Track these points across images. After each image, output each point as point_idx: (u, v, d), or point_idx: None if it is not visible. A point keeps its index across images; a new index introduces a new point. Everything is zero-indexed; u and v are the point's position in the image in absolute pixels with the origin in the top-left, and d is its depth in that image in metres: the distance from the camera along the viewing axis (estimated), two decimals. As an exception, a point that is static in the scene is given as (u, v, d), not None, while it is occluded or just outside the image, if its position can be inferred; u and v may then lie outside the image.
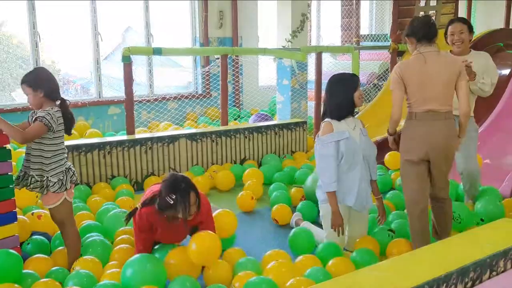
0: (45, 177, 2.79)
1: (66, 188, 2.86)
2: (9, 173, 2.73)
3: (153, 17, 7.51)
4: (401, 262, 2.07)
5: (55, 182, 2.81)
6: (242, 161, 5.43)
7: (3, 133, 2.67)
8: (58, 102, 2.89)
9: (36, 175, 2.78)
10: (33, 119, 2.77)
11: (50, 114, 2.76)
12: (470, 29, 3.65)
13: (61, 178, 2.84)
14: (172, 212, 2.67)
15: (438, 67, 2.93)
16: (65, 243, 2.94)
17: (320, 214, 3.36)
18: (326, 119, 3.14)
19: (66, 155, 2.94)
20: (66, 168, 2.89)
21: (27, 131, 2.71)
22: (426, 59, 2.93)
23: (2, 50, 6.54)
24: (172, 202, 2.63)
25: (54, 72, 7.18)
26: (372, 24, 11.13)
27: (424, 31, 2.98)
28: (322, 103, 3.54)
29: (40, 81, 2.80)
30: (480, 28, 9.93)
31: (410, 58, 3.09)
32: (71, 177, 2.90)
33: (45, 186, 2.80)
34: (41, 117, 2.73)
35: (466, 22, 3.68)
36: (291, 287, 2.49)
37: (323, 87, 5.13)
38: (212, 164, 5.25)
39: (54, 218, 2.90)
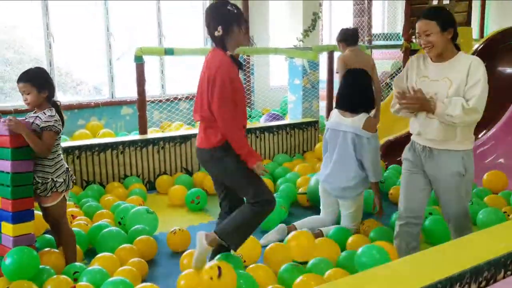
0: (50, 179, 2.79)
1: (69, 187, 2.89)
2: (29, 171, 2.77)
3: (164, 18, 7.55)
4: (413, 261, 2.06)
5: (61, 182, 2.83)
6: (253, 161, 5.43)
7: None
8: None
9: (38, 177, 2.78)
10: (40, 128, 2.73)
11: (56, 120, 2.77)
12: (444, 26, 2.53)
13: (65, 178, 2.86)
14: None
15: (362, 59, 4.68)
16: (62, 241, 2.95)
17: (352, 210, 3.44)
18: (365, 114, 3.39)
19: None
20: (66, 167, 2.91)
21: (45, 145, 2.72)
22: (356, 53, 4.70)
23: (17, 51, 6.63)
24: (235, 11, 2.57)
25: (68, 72, 7.26)
26: (384, 23, 11.06)
27: (352, 39, 4.78)
28: (350, 93, 3.42)
29: (46, 82, 2.80)
30: (494, 26, 9.83)
31: (347, 53, 4.75)
32: (70, 177, 2.93)
33: (49, 188, 2.79)
34: (50, 126, 2.73)
35: (436, 17, 2.54)
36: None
37: (335, 86, 5.13)
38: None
39: (51, 216, 2.90)
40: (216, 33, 2.58)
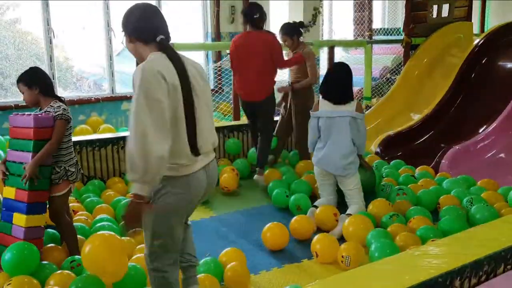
0: (63, 167, 2.87)
1: (77, 178, 2.96)
2: (48, 165, 2.83)
3: (165, 13, 7.52)
4: (413, 255, 2.07)
5: (73, 172, 2.91)
6: (254, 156, 5.43)
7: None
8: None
9: (57, 166, 2.86)
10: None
11: (65, 108, 2.85)
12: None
13: (75, 168, 2.94)
14: None
15: None
16: (63, 235, 3.00)
17: (356, 183, 3.74)
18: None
19: None
20: (76, 159, 2.99)
21: (54, 138, 2.79)
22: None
23: (17, 47, 6.62)
24: None
25: (68, 68, 7.25)
26: (385, 17, 11.03)
27: (301, 32, 4.84)
28: (343, 87, 3.82)
29: (35, 78, 2.87)
30: (495, 21, 9.81)
31: (309, 47, 4.86)
32: (79, 169, 3.00)
33: (60, 176, 2.86)
34: (60, 114, 2.81)
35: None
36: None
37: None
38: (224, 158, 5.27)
39: (52, 206, 2.93)
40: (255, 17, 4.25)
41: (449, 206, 3.63)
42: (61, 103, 2.87)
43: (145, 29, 2.08)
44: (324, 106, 3.80)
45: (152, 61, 2.00)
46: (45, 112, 2.86)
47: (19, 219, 2.79)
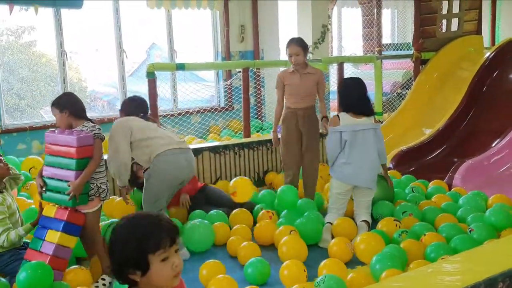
0: (95, 184, 2.99)
1: (107, 197, 3.08)
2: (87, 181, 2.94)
3: (176, 34, 7.66)
4: (426, 272, 2.05)
5: (104, 189, 3.03)
6: (265, 173, 5.44)
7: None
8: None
9: (90, 183, 2.97)
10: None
11: (99, 128, 3.01)
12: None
13: (106, 186, 3.06)
14: None
15: None
16: (95, 251, 3.07)
17: (372, 196, 3.84)
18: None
19: None
20: (106, 178, 3.10)
21: (96, 156, 2.94)
22: None
23: (32, 69, 6.77)
24: None
25: (81, 89, 7.37)
26: (394, 33, 11.07)
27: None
28: (367, 98, 3.97)
29: (66, 103, 3.02)
30: (505, 34, 9.78)
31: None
32: (108, 188, 3.11)
33: (93, 193, 2.98)
34: (97, 134, 2.96)
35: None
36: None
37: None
38: (236, 176, 5.28)
39: (86, 223, 3.02)
40: None
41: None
42: (93, 124, 3.02)
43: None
44: (345, 120, 3.79)
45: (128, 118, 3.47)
46: (78, 131, 2.97)
47: (53, 236, 2.87)
